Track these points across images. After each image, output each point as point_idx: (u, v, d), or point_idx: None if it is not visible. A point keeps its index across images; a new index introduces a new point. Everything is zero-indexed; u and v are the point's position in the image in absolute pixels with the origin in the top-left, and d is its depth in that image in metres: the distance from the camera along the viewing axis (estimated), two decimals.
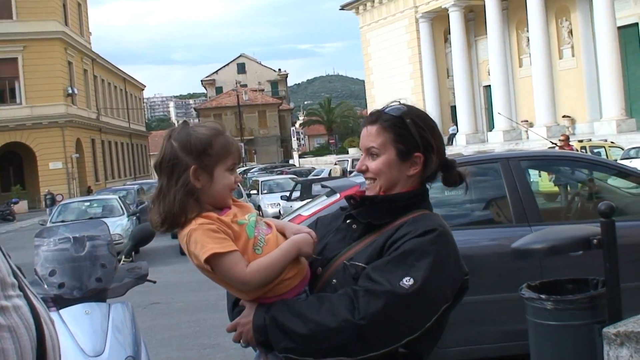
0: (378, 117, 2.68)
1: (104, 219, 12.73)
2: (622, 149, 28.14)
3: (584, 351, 3.89)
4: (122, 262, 5.08)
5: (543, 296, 4.10)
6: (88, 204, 25.50)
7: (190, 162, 2.44)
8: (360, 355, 2.36)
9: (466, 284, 2.59)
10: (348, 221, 2.71)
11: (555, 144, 20.87)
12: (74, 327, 4.21)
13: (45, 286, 4.40)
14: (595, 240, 3.99)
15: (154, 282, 5.36)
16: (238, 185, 2.61)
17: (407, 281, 2.37)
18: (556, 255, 4.64)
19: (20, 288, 1.96)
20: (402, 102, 2.73)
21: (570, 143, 22.58)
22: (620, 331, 3.64)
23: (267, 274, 2.40)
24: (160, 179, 2.52)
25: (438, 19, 55.56)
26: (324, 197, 8.11)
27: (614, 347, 3.69)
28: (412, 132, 2.64)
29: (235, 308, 2.66)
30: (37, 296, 2.04)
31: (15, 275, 1.97)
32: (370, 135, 2.66)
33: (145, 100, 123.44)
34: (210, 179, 2.46)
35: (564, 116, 45.81)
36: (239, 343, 2.56)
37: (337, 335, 2.34)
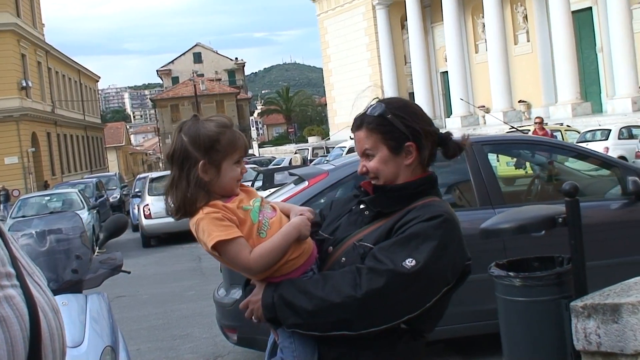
0: (362, 121, 2.82)
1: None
2: (578, 133, 28.49)
3: (552, 325, 4.04)
4: (96, 253, 5.13)
5: (512, 274, 4.24)
6: (48, 198, 25.36)
7: (200, 157, 2.56)
8: (362, 330, 2.50)
9: (468, 269, 2.75)
10: (362, 206, 2.85)
11: (514, 128, 20.20)
12: None
13: None
14: (560, 219, 4.14)
15: (129, 272, 5.43)
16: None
17: (410, 262, 2.51)
18: (524, 233, 4.78)
19: (20, 277, 1.98)
20: (380, 98, 2.92)
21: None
22: (587, 304, 3.79)
23: (269, 259, 2.53)
24: (172, 170, 2.64)
25: (395, 6, 55.75)
26: (292, 185, 8.20)
27: (581, 319, 3.84)
28: (396, 126, 2.76)
29: (247, 287, 2.79)
30: (41, 286, 2.06)
31: (15, 265, 1.99)
32: (360, 139, 2.81)
33: (99, 92, 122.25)
34: (217, 173, 2.58)
35: (520, 101, 46.26)
36: (251, 319, 2.69)
37: (341, 310, 2.48)
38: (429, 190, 2.81)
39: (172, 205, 2.62)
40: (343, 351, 2.58)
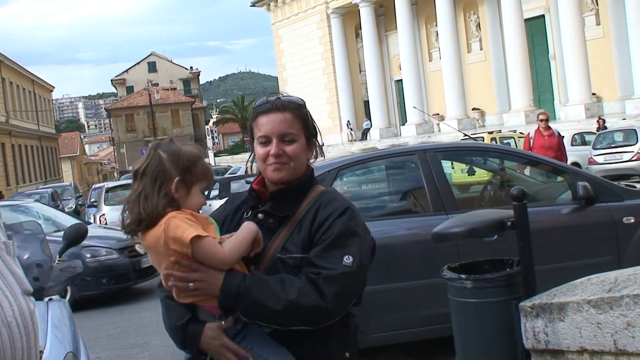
0: (286, 105, 2.88)
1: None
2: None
3: (503, 325, 4.16)
4: (56, 261, 5.17)
5: (463, 276, 4.36)
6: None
7: (175, 174, 2.66)
8: (321, 325, 2.68)
9: (374, 244, 2.96)
10: (260, 215, 2.87)
11: (468, 136, 16.82)
12: None
13: None
14: (509, 222, 4.27)
15: (89, 279, 5.48)
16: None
17: (348, 260, 2.69)
18: (474, 237, 4.91)
19: None
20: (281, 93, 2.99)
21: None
22: (535, 304, 3.93)
23: (239, 252, 2.63)
24: (139, 182, 2.69)
25: (349, 15, 55.99)
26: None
27: (530, 319, 3.98)
28: (310, 121, 2.95)
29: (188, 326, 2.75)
30: (7, 292, 2.07)
31: None
32: (286, 121, 2.84)
33: (54, 102, 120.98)
34: (187, 194, 2.68)
35: (474, 109, 46.76)
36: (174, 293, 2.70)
37: (311, 313, 2.63)
38: (314, 182, 2.97)
39: (136, 215, 2.65)
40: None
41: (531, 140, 17.40)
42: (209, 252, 2.58)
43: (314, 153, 2.99)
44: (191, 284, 2.61)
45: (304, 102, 2.96)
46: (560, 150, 16.95)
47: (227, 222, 2.95)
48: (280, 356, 2.66)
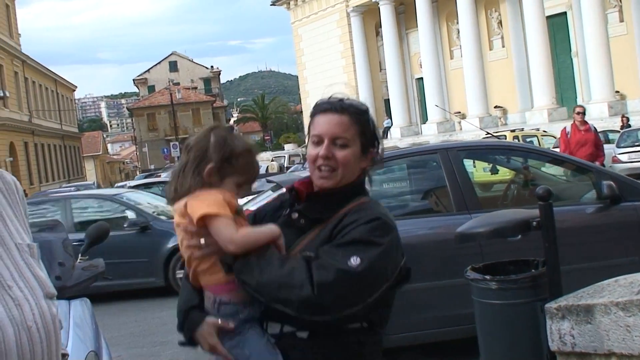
0: (346, 107, 2.77)
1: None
2: (554, 138, 28.59)
3: (528, 327, 4.11)
4: (79, 260, 5.17)
5: (487, 277, 4.31)
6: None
7: (212, 160, 2.64)
8: (303, 315, 2.55)
9: (407, 266, 2.77)
10: (294, 215, 2.80)
11: (490, 134, 17.37)
12: None
13: None
14: (534, 222, 4.22)
15: (111, 279, 5.47)
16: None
17: (355, 260, 2.53)
18: (499, 237, 4.86)
19: None
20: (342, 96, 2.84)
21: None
22: (561, 305, 3.87)
23: (250, 241, 2.58)
24: (186, 156, 2.71)
25: (369, 13, 55.88)
26: (270, 192, 8.26)
27: (556, 321, 3.93)
28: (371, 128, 2.81)
29: (188, 316, 2.77)
30: (29, 295, 2.08)
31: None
32: (341, 124, 2.74)
33: (76, 101, 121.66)
34: (219, 183, 2.66)
35: (495, 106, 46.53)
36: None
37: (289, 292, 2.51)
38: (360, 192, 2.82)
39: (174, 190, 2.69)
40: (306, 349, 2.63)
41: (568, 135, 16.43)
42: (220, 230, 2.56)
43: (370, 164, 2.84)
44: (202, 240, 2.60)
45: (367, 109, 2.82)
46: (597, 146, 16.17)
47: (267, 218, 2.90)
48: None
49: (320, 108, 2.81)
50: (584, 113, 16.52)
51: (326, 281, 2.49)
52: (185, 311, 2.76)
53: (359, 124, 2.76)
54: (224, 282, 2.64)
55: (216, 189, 2.62)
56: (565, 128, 17.02)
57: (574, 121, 16.50)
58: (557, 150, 17.05)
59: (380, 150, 2.87)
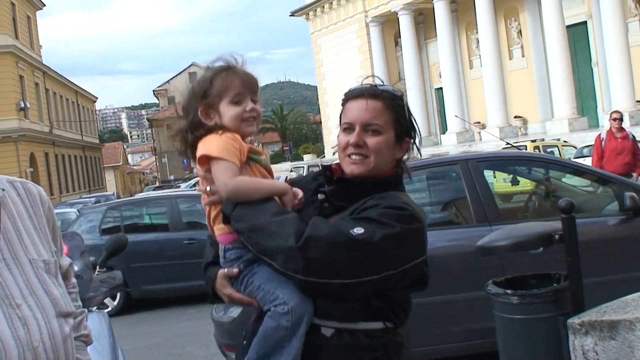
0: (379, 93, 2.63)
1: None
2: (575, 148, 28.51)
3: (550, 342, 4.05)
4: (97, 272, 5.15)
5: (509, 291, 4.25)
6: None
7: (198, 104, 2.68)
8: (286, 270, 2.42)
9: (424, 270, 2.61)
10: (321, 196, 2.67)
11: (510, 144, 16.21)
12: None
13: None
14: (557, 236, 4.16)
15: (129, 290, 5.44)
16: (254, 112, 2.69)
17: (358, 230, 2.38)
18: (520, 251, 4.80)
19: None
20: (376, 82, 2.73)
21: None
22: (584, 321, 3.81)
23: (245, 188, 2.52)
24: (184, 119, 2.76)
25: (388, 23, 55.84)
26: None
27: (579, 336, 3.86)
28: (406, 116, 2.68)
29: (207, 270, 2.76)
30: (38, 315, 2.06)
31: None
32: (374, 110, 2.60)
33: (97, 112, 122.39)
34: (218, 114, 2.65)
35: (515, 116, 46.30)
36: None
37: (277, 239, 2.40)
38: (396, 187, 2.67)
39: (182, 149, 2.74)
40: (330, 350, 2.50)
41: (602, 143, 14.92)
42: (219, 172, 2.54)
43: (407, 153, 2.72)
44: (208, 188, 2.59)
45: (402, 94, 2.68)
46: (634, 155, 14.67)
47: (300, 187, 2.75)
48: (286, 289, 2.48)
49: (352, 94, 2.70)
50: (621, 119, 15.08)
51: (314, 236, 2.36)
52: (205, 266, 2.76)
53: (393, 110, 2.64)
54: (228, 230, 2.60)
55: (225, 134, 2.59)
56: (599, 135, 15.47)
57: (610, 128, 15.00)
58: (588, 159, 16.28)
59: (417, 142, 2.73)
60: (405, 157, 2.73)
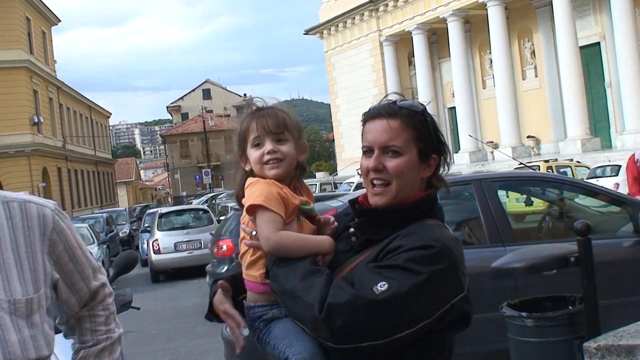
0: (397, 110, 2.45)
1: None
2: (588, 168, 28.43)
3: None
4: None
5: (524, 314, 4.21)
6: None
7: (239, 152, 2.73)
8: (316, 335, 2.33)
9: (466, 309, 2.45)
10: (351, 230, 2.53)
11: (523, 164, 15.91)
12: (61, 355, 4.23)
13: None
14: (572, 258, 4.12)
15: (138, 308, 5.41)
16: (275, 154, 2.63)
17: (381, 286, 2.23)
18: (535, 273, 4.75)
19: None
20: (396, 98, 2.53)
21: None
22: (600, 345, 3.75)
23: (286, 246, 2.46)
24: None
25: (402, 42, 55.90)
26: None
27: None
28: (430, 131, 2.47)
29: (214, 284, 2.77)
30: (11, 330, 1.98)
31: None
32: (391, 130, 2.42)
33: (110, 128, 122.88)
34: (248, 160, 2.67)
35: (528, 136, 46.21)
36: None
37: (300, 306, 2.33)
38: (428, 212, 2.48)
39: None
40: None
41: (637, 163, 13.36)
42: (263, 224, 2.49)
43: (437, 170, 2.51)
44: (254, 232, 2.53)
45: (423, 108, 2.47)
46: None
47: (340, 223, 2.65)
48: (298, 347, 2.43)
49: (370, 114, 2.51)
50: None
51: (336, 303, 2.23)
52: (212, 284, 2.79)
53: (412, 127, 2.43)
54: (260, 281, 2.57)
55: (268, 182, 2.56)
56: (634, 155, 13.88)
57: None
58: (601, 180, 15.61)
59: (448, 159, 2.53)
60: (441, 171, 2.55)
